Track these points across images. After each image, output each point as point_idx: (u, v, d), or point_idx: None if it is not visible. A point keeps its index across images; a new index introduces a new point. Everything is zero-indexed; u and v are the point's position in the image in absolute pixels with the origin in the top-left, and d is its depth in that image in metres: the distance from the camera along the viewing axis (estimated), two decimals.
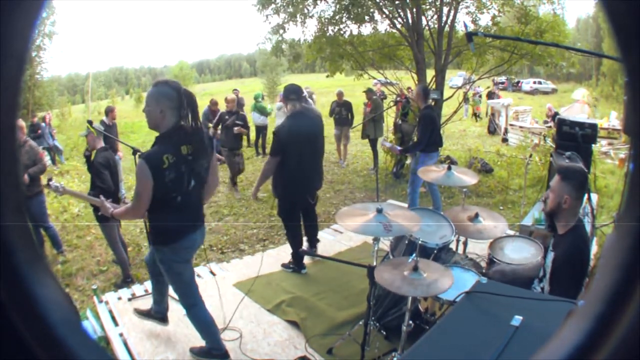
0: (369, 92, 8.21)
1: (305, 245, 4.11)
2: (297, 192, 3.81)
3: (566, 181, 2.19)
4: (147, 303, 3.46)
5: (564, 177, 2.22)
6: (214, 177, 2.56)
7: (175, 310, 3.38)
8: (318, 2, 8.04)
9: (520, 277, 2.69)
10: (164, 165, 2.15)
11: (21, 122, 4.61)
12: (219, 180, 2.82)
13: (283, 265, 4.03)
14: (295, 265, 3.95)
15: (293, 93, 3.79)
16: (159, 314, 3.04)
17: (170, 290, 2.85)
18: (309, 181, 3.84)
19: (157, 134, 2.30)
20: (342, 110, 8.38)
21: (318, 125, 3.92)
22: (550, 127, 10.36)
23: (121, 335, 3.11)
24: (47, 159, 8.94)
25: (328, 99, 8.79)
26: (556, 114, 10.61)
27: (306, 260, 4.03)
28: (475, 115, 15.84)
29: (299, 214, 3.96)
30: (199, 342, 3.00)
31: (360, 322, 2.78)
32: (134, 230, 5.49)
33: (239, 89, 11.61)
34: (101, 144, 3.99)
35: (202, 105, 12.48)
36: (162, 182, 2.16)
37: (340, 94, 8.47)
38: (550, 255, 2.32)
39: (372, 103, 8.11)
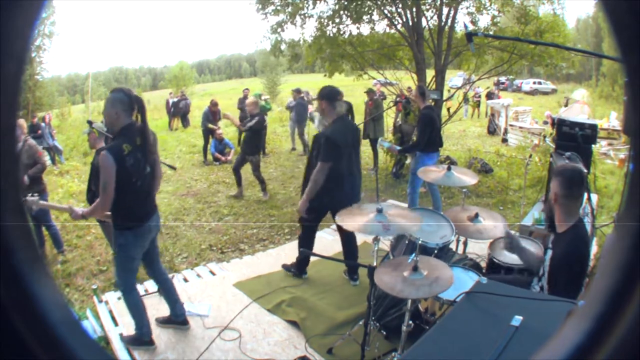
0: (370, 92, 8.22)
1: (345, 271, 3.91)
2: (340, 202, 3.12)
3: (555, 178, 2.26)
4: (149, 304, 3.45)
5: (554, 175, 2.32)
6: (159, 170, 2.95)
7: None
8: (317, 2, 8.05)
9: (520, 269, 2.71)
10: (125, 153, 2.52)
11: (22, 122, 4.61)
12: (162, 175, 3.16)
13: (284, 266, 4.01)
14: (297, 270, 3.92)
15: (338, 93, 3.59)
16: (178, 317, 3.15)
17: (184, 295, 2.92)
18: (354, 190, 3.56)
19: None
20: None
21: (358, 130, 3.83)
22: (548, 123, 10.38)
23: (121, 335, 3.11)
24: (46, 158, 8.95)
25: None
26: (554, 120, 10.68)
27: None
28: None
29: (321, 219, 3.79)
30: (200, 340, 3.01)
31: (360, 322, 2.78)
32: None
33: (237, 90, 11.61)
34: (102, 144, 3.98)
35: (203, 105, 12.50)
36: (124, 166, 2.51)
37: (340, 95, 8.38)
38: (549, 253, 2.33)
39: (374, 103, 8.13)
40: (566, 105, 14.61)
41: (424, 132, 4.83)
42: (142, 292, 3.63)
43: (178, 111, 15.68)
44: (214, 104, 9.92)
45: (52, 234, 4.78)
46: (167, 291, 3.13)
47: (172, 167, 4.41)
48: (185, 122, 15.80)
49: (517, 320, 1.41)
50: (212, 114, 9.83)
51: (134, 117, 2.66)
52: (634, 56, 0.39)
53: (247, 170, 6.85)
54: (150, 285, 3.77)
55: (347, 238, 3.77)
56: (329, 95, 3.54)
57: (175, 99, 15.93)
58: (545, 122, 12.16)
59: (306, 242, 3.78)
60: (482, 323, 1.54)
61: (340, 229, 3.71)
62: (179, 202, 6.85)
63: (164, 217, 6.16)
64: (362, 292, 3.43)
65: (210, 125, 9.63)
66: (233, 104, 12.37)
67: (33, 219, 4.31)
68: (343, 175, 3.42)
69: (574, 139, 3.96)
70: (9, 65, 0.40)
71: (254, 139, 6.55)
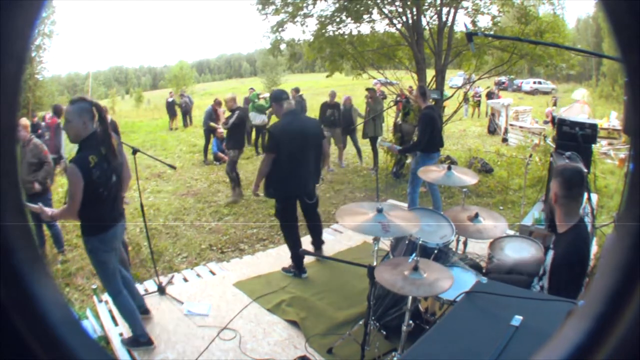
0: (370, 91, 8.25)
1: (310, 247, 4.16)
2: (290, 190, 3.85)
3: (555, 178, 2.27)
4: (149, 304, 3.46)
5: (554, 175, 2.32)
6: (127, 171, 2.99)
7: (176, 310, 3.39)
8: (317, 1, 8.05)
9: (520, 272, 2.70)
10: (91, 165, 2.54)
11: (25, 121, 4.61)
12: (131, 176, 3.15)
13: (284, 269, 4.02)
14: (296, 269, 3.94)
15: (283, 93, 4.06)
16: (139, 308, 3.18)
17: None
18: (302, 180, 3.83)
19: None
20: (334, 112, 8.29)
21: (313, 124, 4.12)
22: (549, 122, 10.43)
23: (121, 335, 3.11)
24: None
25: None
26: (554, 118, 10.71)
27: (306, 260, 4.02)
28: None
29: (295, 214, 3.95)
30: (200, 340, 3.01)
31: (360, 322, 2.78)
32: (134, 230, 5.50)
33: (237, 89, 11.61)
34: None
35: (203, 105, 12.47)
36: (91, 179, 2.54)
37: (332, 95, 8.41)
38: (550, 254, 2.33)
39: (374, 100, 8.16)
40: (555, 105, 14.70)
41: (424, 132, 4.83)
42: (142, 292, 3.63)
43: (174, 111, 15.81)
44: (217, 103, 9.88)
45: (53, 233, 4.78)
46: (127, 288, 3.13)
47: (172, 167, 4.41)
48: (186, 121, 15.84)
49: (517, 320, 1.41)
50: (215, 113, 9.81)
51: (95, 125, 2.67)
52: (634, 56, 0.39)
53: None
54: (151, 284, 3.77)
55: (312, 226, 4.20)
56: (276, 98, 4.00)
57: (171, 99, 16.10)
58: (546, 122, 12.16)
59: (291, 243, 3.94)
60: (482, 323, 1.54)
61: (305, 214, 4.14)
62: (179, 201, 6.85)
63: (164, 216, 6.17)
64: (362, 292, 3.43)
65: (212, 124, 9.61)
66: None
67: (35, 217, 4.32)
68: (288, 167, 3.70)
69: (574, 138, 3.95)
70: (9, 65, 0.40)
71: (233, 135, 6.62)
